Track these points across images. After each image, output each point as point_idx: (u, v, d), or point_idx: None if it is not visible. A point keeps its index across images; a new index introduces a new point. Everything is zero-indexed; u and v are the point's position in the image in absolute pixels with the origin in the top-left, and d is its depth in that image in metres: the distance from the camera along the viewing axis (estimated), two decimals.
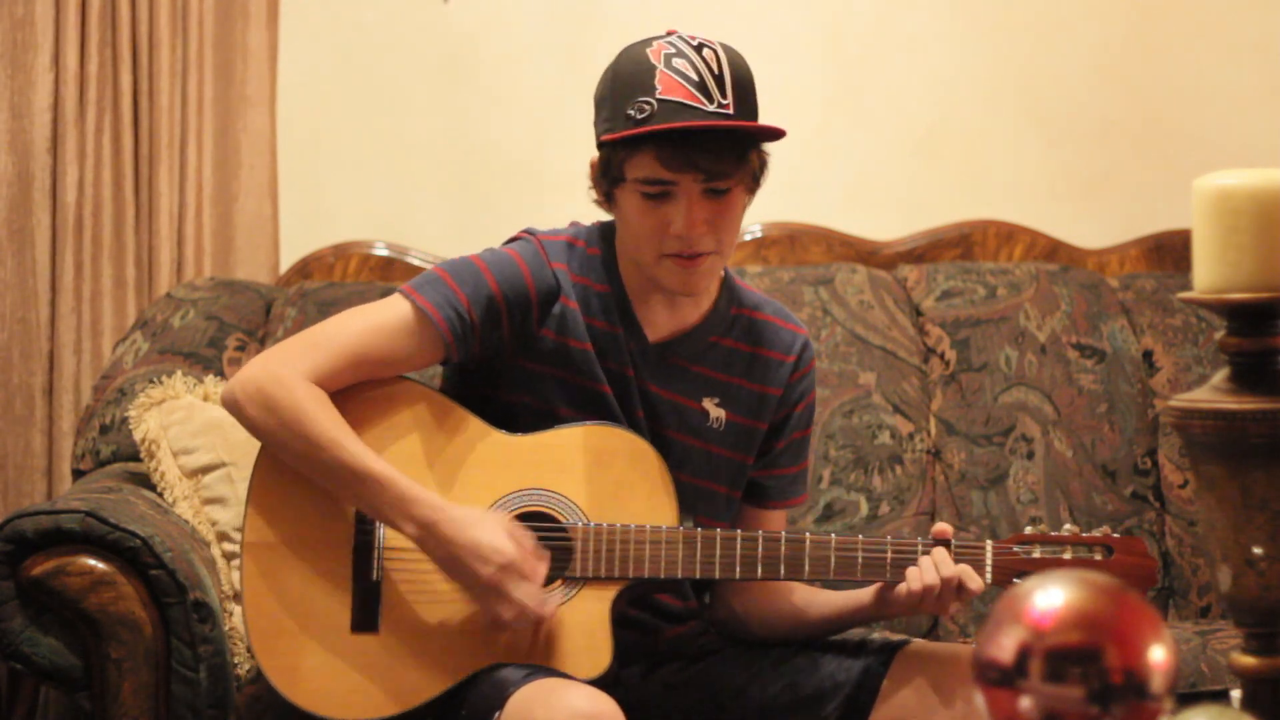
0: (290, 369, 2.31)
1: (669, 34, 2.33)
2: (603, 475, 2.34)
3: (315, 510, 2.35)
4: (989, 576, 2.32)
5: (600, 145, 2.33)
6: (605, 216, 2.43)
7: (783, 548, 2.31)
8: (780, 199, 3.63)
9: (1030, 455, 3.22)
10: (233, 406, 2.35)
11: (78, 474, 3.03)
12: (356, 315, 2.37)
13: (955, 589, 2.28)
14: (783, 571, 2.32)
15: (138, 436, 2.87)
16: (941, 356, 3.29)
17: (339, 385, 2.33)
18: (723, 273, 2.45)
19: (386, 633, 2.34)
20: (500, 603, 2.26)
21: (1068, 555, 2.33)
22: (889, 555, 2.31)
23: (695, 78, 2.27)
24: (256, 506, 2.36)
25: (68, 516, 2.53)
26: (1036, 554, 2.33)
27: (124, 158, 3.40)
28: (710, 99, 2.27)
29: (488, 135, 3.57)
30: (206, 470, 2.81)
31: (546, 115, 3.55)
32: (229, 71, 3.47)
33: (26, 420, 3.40)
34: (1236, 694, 1.78)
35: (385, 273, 3.48)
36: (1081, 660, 1.36)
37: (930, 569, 2.29)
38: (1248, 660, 1.75)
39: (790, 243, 3.56)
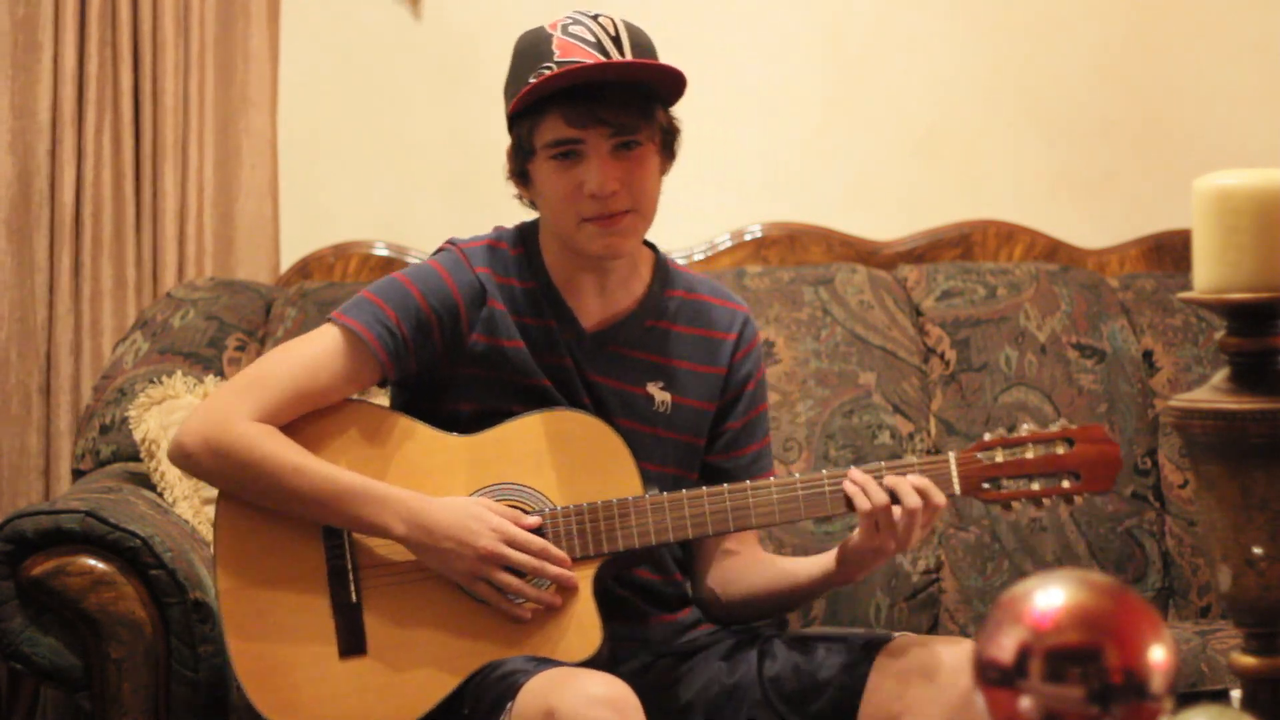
0: (232, 412, 2.32)
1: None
2: (562, 459, 2.34)
3: (282, 547, 2.34)
4: (957, 487, 2.32)
5: (510, 124, 2.36)
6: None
7: (750, 497, 2.32)
8: (780, 199, 3.64)
9: None
10: (184, 461, 2.35)
11: (78, 474, 3.03)
12: (290, 350, 2.39)
13: (915, 510, 2.25)
14: (754, 520, 2.32)
15: (138, 436, 2.87)
16: (941, 356, 3.29)
17: (283, 421, 2.33)
18: (655, 256, 2.46)
19: (375, 651, 2.33)
20: (500, 574, 2.28)
21: (1030, 455, 2.33)
22: (826, 488, 2.31)
23: (593, 39, 2.31)
24: (224, 557, 2.35)
25: (68, 516, 2.53)
26: (1000, 458, 2.33)
27: (124, 158, 3.40)
28: (608, 57, 2.30)
29: (488, 135, 3.54)
30: None
31: None
32: (230, 72, 3.47)
33: (24, 420, 3.40)
34: (1236, 694, 1.78)
35: (385, 272, 3.46)
36: (1081, 660, 1.36)
37: (874, 487, 2.27)
38: (1248, 660, 1.75)
39: (790, 243, 3.56)
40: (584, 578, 2.32)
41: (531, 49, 2.33)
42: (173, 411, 2.86)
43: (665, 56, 2.21)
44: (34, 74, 3.37)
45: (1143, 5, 3.67)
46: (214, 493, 2.79)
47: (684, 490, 2.34)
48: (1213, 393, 1.75)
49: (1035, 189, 3.66)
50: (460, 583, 2.31)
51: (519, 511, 2.32)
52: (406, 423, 2.37)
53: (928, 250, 3.57)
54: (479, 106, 3.57)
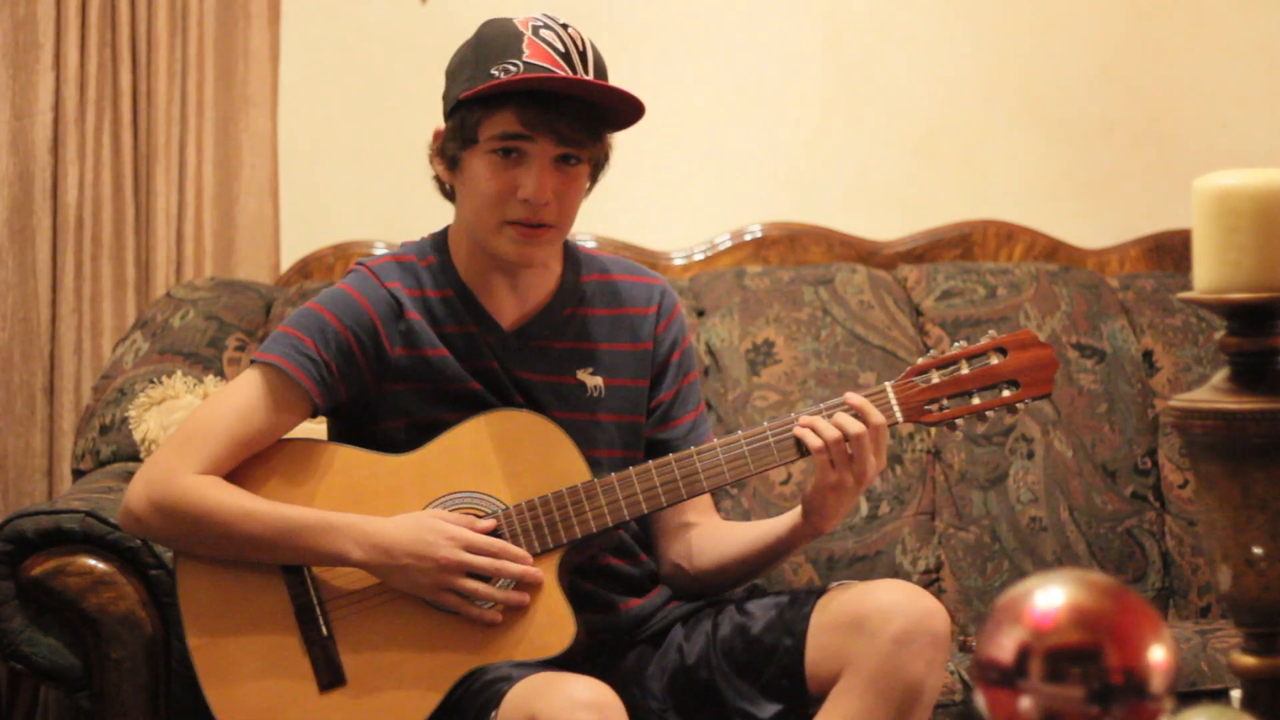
0: (174, 470, 2.32)
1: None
2: (506, 459, 2.34)
3: (245, 593, 2.34)
4: (899, 414, 2.33)
5: (456, 106, 2.35)
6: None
7: (698, 462, 2.33)
8: (780, 199, 3.64)
9: (1030, 455, 3.22)
10: (135, 526, 2.36)
11: (78, 474, 3.03)
12: (219, 398, 2.39)
13: (860, 434, 2.27)
14: (704, 483, 2.33)
15: (138, 436, 2.87)
16: None
17: (224, 471, 2.34)
18: (564, 248, 2.47)
19: (355, 681, 2.32)
20: (464, 581, 2.29)
21: (966, 371, 2.35)
22: (770, 440, 2.32)
23: (561, 49, 2.31)
24: (189, 613, 2.35)
25: (68, 516, 2.53)
26: (936, 379, 2.35)
27: (124, 158, 3.40)
28: (574, 70, 2.31)
29: None
30: None
31: None
32: (230, 72, 3.47)
33: (27, 420, 3.41)
34: (1236, 694, 1.78)
35: None
36: (1081, 660, 1.36)
37: (822, 424, 2.29)
38: (1248, 660, 1.75)
39: (790, 243, 3.56)
40: (548, 571, 2.31)
41: (499, 40, 2.33)
42: (173, 411, 2.86)
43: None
44: (35, 74, 3.37)
45: (1143, 5, 3.67)
46: None
47: (631, 468, 2.34)
48: (1213, 393, 1.75)
49: (1035, 189, 3.66)
50: (426, 597, 2.31)
51: (472, 517, 2.32)
52: (346, 451, 2.37)
53: (928, 250, 3.57)
54: None
